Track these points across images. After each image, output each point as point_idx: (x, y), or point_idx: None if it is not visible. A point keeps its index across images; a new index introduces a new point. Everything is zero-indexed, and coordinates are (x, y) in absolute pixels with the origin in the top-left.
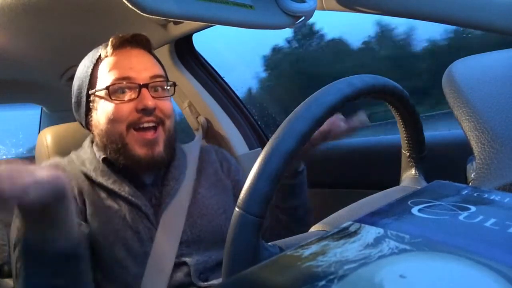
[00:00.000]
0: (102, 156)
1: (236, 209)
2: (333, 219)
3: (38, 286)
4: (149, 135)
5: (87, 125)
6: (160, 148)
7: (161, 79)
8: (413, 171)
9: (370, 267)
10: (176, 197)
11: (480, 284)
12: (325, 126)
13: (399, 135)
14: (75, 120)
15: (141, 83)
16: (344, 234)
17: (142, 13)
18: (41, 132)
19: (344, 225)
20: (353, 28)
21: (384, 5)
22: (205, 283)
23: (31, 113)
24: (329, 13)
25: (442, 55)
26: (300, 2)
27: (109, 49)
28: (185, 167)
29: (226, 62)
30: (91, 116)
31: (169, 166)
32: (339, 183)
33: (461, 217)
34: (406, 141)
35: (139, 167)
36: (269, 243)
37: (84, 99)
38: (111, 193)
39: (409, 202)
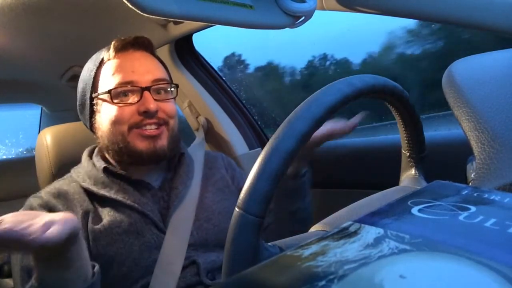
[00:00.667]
0: (103, 166)
1: (236, 209)
2: (333, 219)
3: None
4: (152, 131)
5: (91, 127)
6: (163, 142)
7: (163, 81)
8: (413, 171)
9: (370, 267)
10: (184, 201)
11: (480, 284)
12: (324, 126)
13: (399, 135)
14: (75, 120)
15: (143, 86)
16: (344, 234)
17: (142, 13)
18: (41, 132)
19: (344, 225)
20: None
21: (384, 5)
22: (212, 282)
23: (31, 113)
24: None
25: None
26: (300, 2)
27: (112, 52)
28: (193, 172)
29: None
30: (94, 119)
31: (177, 170)
32: (339, 183)
33: (461, 217)
34: (406, 141)
35: (142, 162)
36: (269, 243)
37: (88, 102)
38: (115, 204)
39: (409, 202)
